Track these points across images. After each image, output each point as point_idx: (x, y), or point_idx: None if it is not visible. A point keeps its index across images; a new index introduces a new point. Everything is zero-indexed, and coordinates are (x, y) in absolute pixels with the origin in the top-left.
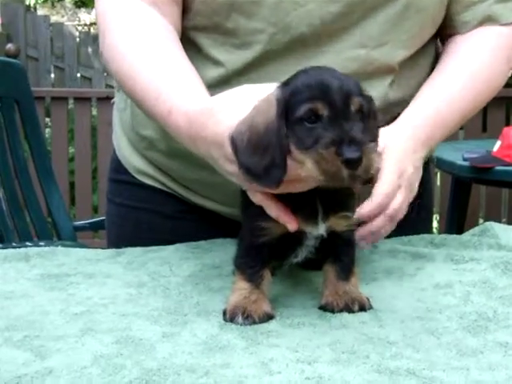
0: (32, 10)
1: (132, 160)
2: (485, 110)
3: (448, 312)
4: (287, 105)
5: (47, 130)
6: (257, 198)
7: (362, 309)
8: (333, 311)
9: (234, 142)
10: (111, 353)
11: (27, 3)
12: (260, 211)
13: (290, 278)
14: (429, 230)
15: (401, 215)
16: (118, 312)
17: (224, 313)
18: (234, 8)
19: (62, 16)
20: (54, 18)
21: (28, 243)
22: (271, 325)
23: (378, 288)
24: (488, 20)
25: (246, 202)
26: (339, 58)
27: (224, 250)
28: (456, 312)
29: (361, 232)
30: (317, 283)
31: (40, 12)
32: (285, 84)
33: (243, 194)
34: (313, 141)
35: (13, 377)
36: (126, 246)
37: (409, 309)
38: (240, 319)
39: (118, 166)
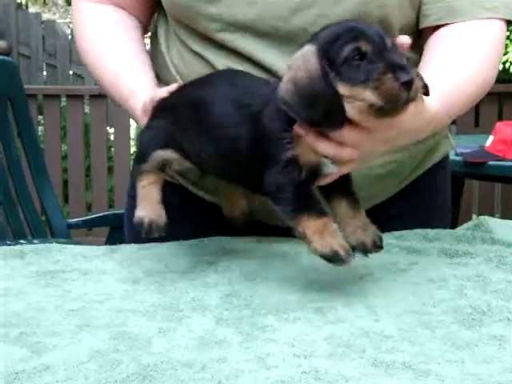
0: (24, 7)
1: None
2: (477, 106)
3: (443, 306)
4: (326, 52)
5: (40, 128)
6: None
7: (381, 241)
8: (366, 253)
9: (286, 102)
10: (108, 348)
11: (19, 1)
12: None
13: (284, 273)
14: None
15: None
16: (113, 308)
17: (330, 257)
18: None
19: (54, 13)
20: (45, 16)
21: (22, 241)
22: (267, 319)
23: (372, 283)
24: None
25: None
26: None
27: (219, 246)
28: (451, 306)
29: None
30: (312, 278)
31: (32, 9)
32: (313, 39)
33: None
34: (366, 74)
35: (10, 373)
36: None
37: (404, 303)
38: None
39: None
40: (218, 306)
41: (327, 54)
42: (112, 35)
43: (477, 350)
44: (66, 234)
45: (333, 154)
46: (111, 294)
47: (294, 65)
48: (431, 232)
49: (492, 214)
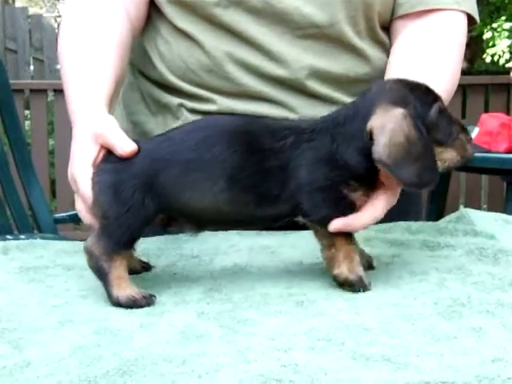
0: (10, 1)
1: None
2: (464, 97)
3: (423, 298)
4: (417, 113)
5: (27, 123)
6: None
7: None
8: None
9: (387, 165)
10: (89, 343)
11: None
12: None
13: (266, 267)
14: (419, 214)
15: None
16: (96, 303)
17: (355, 282)
18: None
19: (41, 8)
20: (32, 10)
21: (8, 236)
22: (248, 313)
23: None
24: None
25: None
26: (292, 34)
27: (202, 241)
28: (431, 298)
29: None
30: (294, 272)
31: (18, 4)
32: (380, 98)
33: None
34: (447, 134)
35: None
36: None
37: (384, 296)
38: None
39: None
40: (200, 301)
41: (418, 116)
42: (85, 41)
43: (456, 342)
44: (53, 228)
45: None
46: (94, 289)
47: (387, 128)
48: (414, 224)
49: (479, 206)
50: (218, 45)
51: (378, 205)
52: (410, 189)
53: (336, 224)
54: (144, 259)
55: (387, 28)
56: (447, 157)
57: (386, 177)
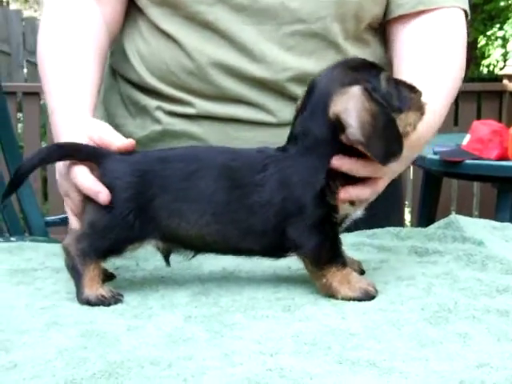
0: (4, 4)
1: None
2: (456, 105)
3: (410, 303)
4: (371, 88)
5: (19, 126)
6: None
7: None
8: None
9: (363, 143)
10: (75, 346)
11: None
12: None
13: (254, 272)
14: (400, 220)
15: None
16: (83, 306)
17: (362, 297)
18: None
19: (35, 10)
20: (26, 13)
21: None
22: (235, 317)
23: None
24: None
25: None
26: (278, 32)
27: None
28: (418, 303)
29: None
30: (281, 277)
31: (12, 6)
32: (331, 81)
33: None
34: (400, 99)
35: None
36: None
37: (372, 301)
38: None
39: None
40: (187, 304)
41: (372, 89)
42: (64, 44)
43: (441, 348)
44: (44, 231)
45: (369, 195)
46: None
47: (351, 107)
48: (403, 230)
49: (470, 213)
50: (199, 46)
51: (378, 182)
52: (383, 163)
53: (343, 195)
54: (109, 268)
55: (374, 28)
56: (410, 120)
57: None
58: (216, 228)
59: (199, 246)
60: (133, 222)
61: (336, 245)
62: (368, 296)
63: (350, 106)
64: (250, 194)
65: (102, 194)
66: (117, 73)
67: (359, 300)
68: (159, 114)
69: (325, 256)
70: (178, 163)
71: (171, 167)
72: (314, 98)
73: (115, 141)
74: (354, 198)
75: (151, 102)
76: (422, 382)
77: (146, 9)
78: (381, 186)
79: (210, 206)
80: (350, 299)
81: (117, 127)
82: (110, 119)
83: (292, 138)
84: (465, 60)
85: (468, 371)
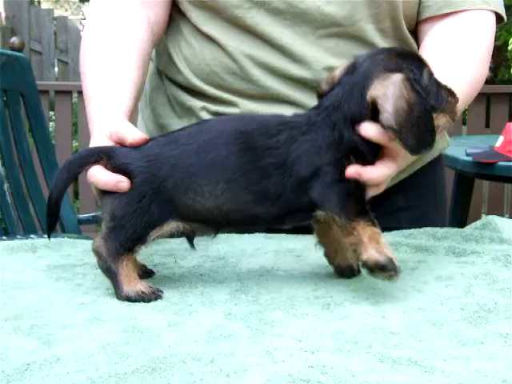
0: (36, 3)
1: None
2: (488, 106)
3: (449, 303)
4: (414, 79)
5: (51, 124)
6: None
7: None
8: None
9: (395, 131)
10: (118, 341)
11: None
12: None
13: (292, 270)
14: (443, 222)
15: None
16: (123, 302)
17: (384, 264)
18: None
19: (66, 10)
20: (57, 12)
21: (32, 236)
22: (275, 315)
23: (380, 280)
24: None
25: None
26: (315, 34)
27: (228, 243)
28: (457, 303)
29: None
30: (320, 275)
31: (44, 6)
32: (374, 66)
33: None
34: (439, 98)
35: (22, 364)
36: None
37: (411, 300)
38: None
39: None
40: (227, 301)
41: (414, 80)
42: (107, 46)
43: (482, 347)
44: (77, 229)
45: (375, 178)
46: None
47: (390, 93)
48: (440, 231)
49: (501, 214)
50: (241, 47)
51: (390, 165)
52: (412, 153)
53: (349, 171)
54: (148, 265)
55: (414, 31)
56: (439, 123)
57: (387, 148)
58: (230, 195)
59: (218, 221)
60: (149, 205)
61: (362, 200)
62: (392, 265)
63: (389, 92)
64: (262, 157)
65: (122, 182)
66: (163, 74)
67: (381, 268)
68: (204, 115)
69: (352, 209)
70: (186, 139)
71: (180, 146)
72: (354, 77)
73: (128, 135)
74: (362, 177)
75: (196, 103)
76: (465, 381)
77: (187, 12)
78: (393, 169)
79: (223, 174)
80: (373, 264)
81: (163, 127)
82: (157, 119)
83: (318, 108)
84: (487, 63)
85: (510, 371)
